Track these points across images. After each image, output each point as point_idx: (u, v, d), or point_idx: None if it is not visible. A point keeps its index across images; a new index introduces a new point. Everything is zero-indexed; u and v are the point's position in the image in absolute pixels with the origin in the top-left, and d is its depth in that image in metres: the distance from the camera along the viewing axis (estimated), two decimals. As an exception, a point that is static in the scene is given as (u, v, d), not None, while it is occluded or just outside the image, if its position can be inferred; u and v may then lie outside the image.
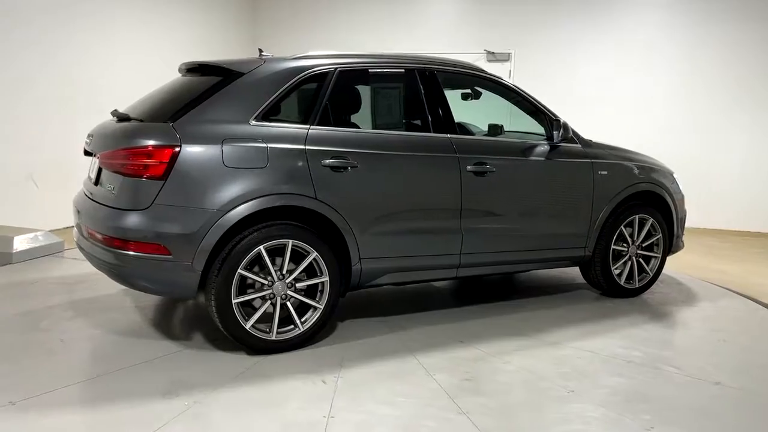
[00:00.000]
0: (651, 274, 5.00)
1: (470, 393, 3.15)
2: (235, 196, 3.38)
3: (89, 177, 3.93)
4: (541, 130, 4.58)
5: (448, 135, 4.07)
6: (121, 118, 3.75)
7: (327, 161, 3.61)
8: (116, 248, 3.33)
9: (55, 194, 6.68)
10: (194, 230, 3.30)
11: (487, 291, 5.12)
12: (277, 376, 3.28)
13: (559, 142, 4.48)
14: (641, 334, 4.10)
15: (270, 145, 3.50)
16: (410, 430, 2.78)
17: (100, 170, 3.71)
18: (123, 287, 4.53)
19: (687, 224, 5.44)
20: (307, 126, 3.66)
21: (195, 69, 4.00)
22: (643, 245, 4.91)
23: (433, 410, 2.96)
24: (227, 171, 3.38)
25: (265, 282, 3.50)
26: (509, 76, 9.05)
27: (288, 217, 3.55)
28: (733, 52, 8.47)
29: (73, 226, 4.09)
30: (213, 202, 3.34)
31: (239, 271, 3.41)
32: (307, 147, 3.59)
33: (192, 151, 3.32)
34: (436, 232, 4.01)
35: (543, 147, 4.43)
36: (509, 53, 9.28)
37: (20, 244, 5.55)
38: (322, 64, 3.81)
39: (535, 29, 9.19)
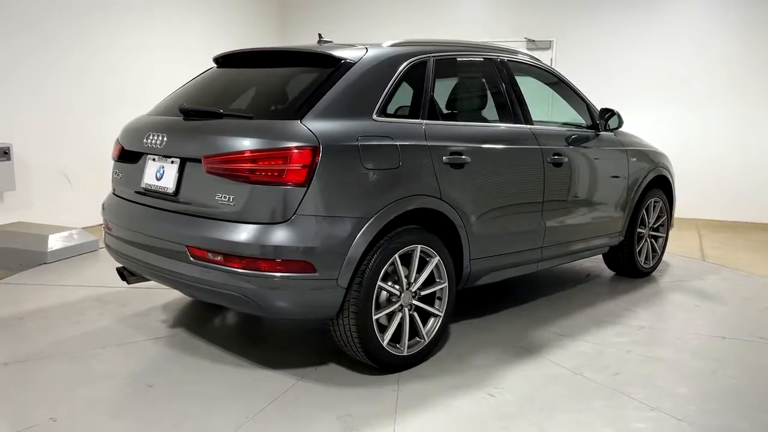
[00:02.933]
0: (660, 253, 5.34)
1: (640, 386, 3.13)
2: (377, 201, 3.03)
3: (148, 186, 3.28)
4: (573, 119, 4.65)
5: (528, 126, 3.99)
6: (201, 113, 3.17)
7: (446, 158, 3.37)
8: (252, 270, 2.81)
9: (87, 191, 6.63)
10: (341, 242, 2.90)
11: (500, 295, 5.11)
12: (439, 395, 3.02)
13: (601, 131, 4.58)
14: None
15: (399, 143, 3.17)
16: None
17: (180, 177, 3.11)
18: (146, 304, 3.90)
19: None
20: (420, 120, 3.37)
21: (272, 58, 3.50)
22: (654, 226, 5.23)
23: (624, 411, 2.91)
24: (365, 173, 3.01)
25: (396, 293, 3.19)
26: (551, 65, 8.64)
27: (412, 220, 3.25)
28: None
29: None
30: (357, 210, 2.96)
31: (378, 283, 3.07)
32: (429, 143, 3.31)
33: (332, 151, 2.90)
34: (526, 226, 3.93)
35: (593, 136, 4.51)
36: (550, 41, 8.80)
37: (55, 243, 5.40)
38: (420, 52, 3.52)
39: (577, 16, 8.67)
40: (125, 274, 3.60)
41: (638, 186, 4.88)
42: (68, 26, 6.57)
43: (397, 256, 3.13)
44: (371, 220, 2.99)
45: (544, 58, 8.63)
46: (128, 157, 3.53)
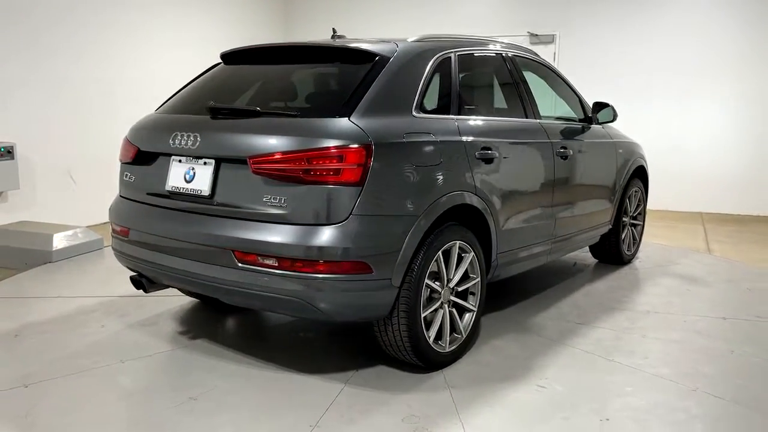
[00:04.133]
0: (639, 241, 5.58)
1: (671, 369, 3.27)
2: (425, 199, 3.01)
3: (174, 188, 3.11)
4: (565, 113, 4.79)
5: (538, 120, 4.06)
6: (235, 112, 3.04)
7: (478, 153, 3.39)
8: (309, 273, 2.72)
9: (91, 190, 6.71)
10: (394, 241, 2.87)
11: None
12: (490, 389, 3.04)
13: (594, 124, 4.73)
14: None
15: (440, 139, 3.16)
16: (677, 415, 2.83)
17: (215, 178, 2.97)
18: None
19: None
20: (452, 116, 3.37)
21: (298, 53, 3.40)
22: (633, 215, 5.45)
23: (670, 395, 3.03)
24: (413, 170, 2.99)
25: (438, 290, 3.18)
26: (554, 59, 8.67)
27: (450, 217, 3.25)
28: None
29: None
30: (407, 208, 2.93)
31: (426, 281, 3.05)
32: (463, 138, 3.31)
33: (383, 149, 2.85)
34: (541, 218, 4.01)
35: (587, 129, 4.64)
36: (553, 35, 8.72)
37: (60, 242, 5.38)
38: (444, 47, 3.52)
39: (580, 9, 8.62)
40: (143, 283, 3.40)
41: (624, 176, 5.08)
42: (75, 26, 6.54)
43: (440, 253, 3.12)
44: (421, 217, 2.96)
45: (548, 52, 8.62)
46: (143, 158, 3.33)
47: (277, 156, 2.76)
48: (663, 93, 8.35)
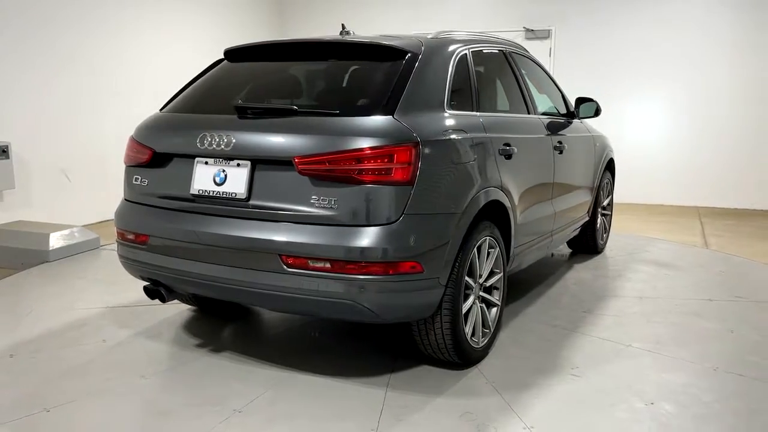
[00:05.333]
0: (608, 230, 5.83)
1: (685, 351, 3.44)
2: (465, 196, 3.02)
3: (203, 191, 2.96)
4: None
5: (537, 116, 4.15)
6: (269, 111, 2.94)
7: (500, 149, 3.43)
8: (365, 275, 2.66)
9: (86, 188, 6.77)
10: (442, 240, 2.86)
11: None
12: (531, 381, 3.09)
13: (573, 119, 4.88)
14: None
15: (472, 135, 3.17)
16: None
17: (252, 180, 2.86)
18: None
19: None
20: (475, 113, 3.39)
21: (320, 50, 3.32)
22: (603, 205, 5.69)
23: (697, 377, 3.19)
24: (453, 168, 2.99)
25: (472, 286, 3.19)
26: (549, 54, 8.67)
27: (481, 213, 3.27)
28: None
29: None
30: (451, 206, 2.93)
31: (465, 277, 3.06)
32: (488, 135, 3.34)
33: (428, 147, 2.82)
34: (545, 211, 4.11)
35: (570, 123, 4.79)
36: (549, 30, 8.74)
37: (56, 241, 5.33)
38: (460, 43, 3.52)
39: (576, 4, 8.63)
40: (162, 292, 3.21)
41: (600, 168, 5.28)
42: (67, 25, 6.49)
43: (475, 249, 3.13)
44: (462, 215, 2.97)
45: (543, 47, 8.70)
46: (156, 161, 3.14)
47: (328, 156, 2.68)
48: (658, 87, 8.46)
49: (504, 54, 4.06)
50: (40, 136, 6.30)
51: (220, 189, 2.92)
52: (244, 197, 2.86)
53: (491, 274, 3.39)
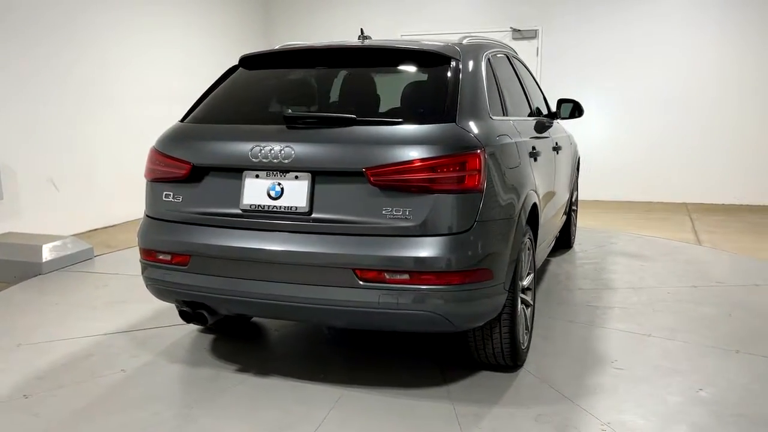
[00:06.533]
0: (576, 225, 6.08)
1: (699, 336, 3.65)
2: (518, 200, 3.05)
3: (256, 206, 2.81)
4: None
5: (536, 118, 4.26)
6: (327, 121, 2.83)
7: (530, 151, 3.49)
8: (445, 285, 2.63)
9: (75, 197, 6.69)
10: (505, 245, 2.87)
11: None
12: (583, 377, 3.17)
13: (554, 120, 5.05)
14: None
15: (514, 140, 3.21)
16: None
17: (312, 193, 2.75)
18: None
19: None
20: (507, 117, 3.43)
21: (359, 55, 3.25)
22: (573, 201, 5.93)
23: (721, 360, 3.39)
24: (506, 173, 3.01)
25: (520, 287, 3.24)
26: (537, 54, 8.56)
27: None
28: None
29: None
30: (512, 210, 2.95)
31: (519, 281, 3.10)
32: (522, 139, 3.41)
33: (489, 153, 2.82)
34: (552, 209, 4.22)
35: (552, 124, 4.95)
36: (536, 30, 8.68)
37: (49, 253, 5.19)
38: (483, 48, 3.55)
39: (562, 4, 8.67)
40: (205, 315, 3.01)
41: (574, 167, 5.50)
42: (51, 31, 6.33)
43: (521, 251, 3.17)
44: (517, 219, 3.00)
45: (530, 47, 8.72)
46: (194, 175, 2.95)
47: (402, 166, 2.62)
48: (644, 85, 8.62)
49: (507, 57, 4.13)
50: (26, 145, 6.12)
51: (277, 203, 2.78)
52: (305, 211, 2.74)
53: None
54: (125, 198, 7.09)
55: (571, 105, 4.98)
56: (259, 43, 9.73)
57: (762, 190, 8.40)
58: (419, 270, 2.61)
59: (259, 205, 2.80)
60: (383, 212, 2.65)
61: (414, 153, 2.63)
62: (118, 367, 3.33)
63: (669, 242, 6.18)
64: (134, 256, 5.85)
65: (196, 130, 3.06)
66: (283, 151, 2.74)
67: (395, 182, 2.63)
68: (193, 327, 3.84)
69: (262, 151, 2.77)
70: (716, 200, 8.54)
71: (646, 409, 2.85)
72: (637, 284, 4.72)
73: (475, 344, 3.08)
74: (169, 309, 4.19)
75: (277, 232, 2.78)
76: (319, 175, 2.75)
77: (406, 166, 2.62)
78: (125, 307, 4.26)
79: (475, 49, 3.35)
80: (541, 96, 5.00)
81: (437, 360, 3.37)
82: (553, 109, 5.00)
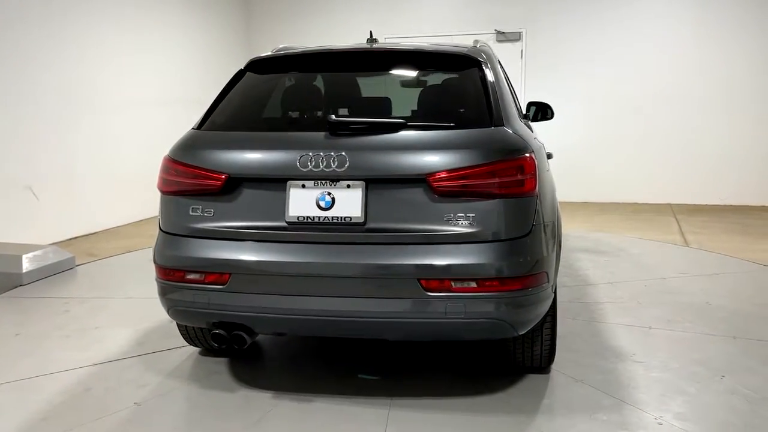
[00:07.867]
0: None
1: (705, 326, 3.86)
2: (556, 201, 3.10)
3: (305, 218, 2.65)
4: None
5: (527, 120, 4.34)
6: (376, 126, 2.73)
7: (547, 152, 3.55)
8: (512, 291, 2.59)
9: (55, 206, 6.51)
10: (552, 248, 2.89)
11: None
12: (609, 377, 3.24)
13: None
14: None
15: (540, 143, 3.24)
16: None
17: (366, 201, 2.63)
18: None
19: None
20: (525, 120, 3.47)
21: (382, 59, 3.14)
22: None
23: (729, 346, 3.59)
24: (547, 175, 3.08)
25: (551, 291, 3.28)
26: (521, 57, 8.36)
27: None
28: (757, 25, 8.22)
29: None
30: (552, 213, 2.97)
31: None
32: (541, 141, 3.44)
33: (535, 157, 2.83)
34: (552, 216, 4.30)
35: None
36: (520, 32, 8.53)
37: (30, 263, 5.07)
38: (491, 52, 3.56)
39: (546, 6, 8.59)
40: (244, 337, 2.78)
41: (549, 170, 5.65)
42: (30, 36, 6.15)
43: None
44: (556, 221, 3.03)
45: (514, 50, 8.67)
46: (228, 187, 2.73)
47: (466, 171, 2.56)
48: (628, 86, 8.62)
49: (498, 61, 4.17)
50: (4, 153, 5.96)
51: (328, 214, 2.62)
52: (360, 221, 2.61)
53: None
54: (107, 204, 7.05)
55: (541, 107, 5.11)
56: (240, 48, 9.53)
57: (747, 190, 8.50)
58: (487, 277, 2.56)
59: (307, 217, 2.64)
60: (445, 218, 2.57)
61: (477, 157, 2.58)
62: (129, 400, 3.02)
63: (613, 237, 6.50)
64: (117, 264, 5.52)
65: (227, 138, 2.83)
66: (337, 160, 2.60)
67: (460, 188, 2.56)
68: (190, 349, 3.57)
69: (314, 160, 2.61)
70: (701, 201, 8.63)
71: (684, 399, 2.95)
72: (610, 280, 4.92)
73: (522, 348, 3.06)
74: (151, 332, 3.90)
75: (330, 245, 2.63)
76: (372, 183, 2.63)
77: (471, 170, 2.56)
78: (101, 333, 3.88)
79: (490, 53, 3.35)
80: (515, 98, 5.09)
81: (459, 368, 3.30)
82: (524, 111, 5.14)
